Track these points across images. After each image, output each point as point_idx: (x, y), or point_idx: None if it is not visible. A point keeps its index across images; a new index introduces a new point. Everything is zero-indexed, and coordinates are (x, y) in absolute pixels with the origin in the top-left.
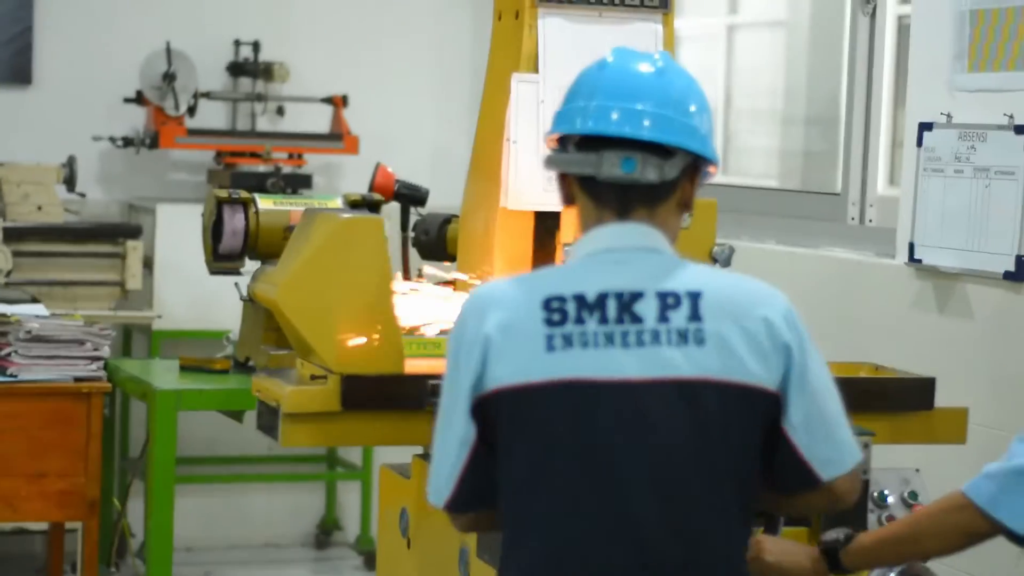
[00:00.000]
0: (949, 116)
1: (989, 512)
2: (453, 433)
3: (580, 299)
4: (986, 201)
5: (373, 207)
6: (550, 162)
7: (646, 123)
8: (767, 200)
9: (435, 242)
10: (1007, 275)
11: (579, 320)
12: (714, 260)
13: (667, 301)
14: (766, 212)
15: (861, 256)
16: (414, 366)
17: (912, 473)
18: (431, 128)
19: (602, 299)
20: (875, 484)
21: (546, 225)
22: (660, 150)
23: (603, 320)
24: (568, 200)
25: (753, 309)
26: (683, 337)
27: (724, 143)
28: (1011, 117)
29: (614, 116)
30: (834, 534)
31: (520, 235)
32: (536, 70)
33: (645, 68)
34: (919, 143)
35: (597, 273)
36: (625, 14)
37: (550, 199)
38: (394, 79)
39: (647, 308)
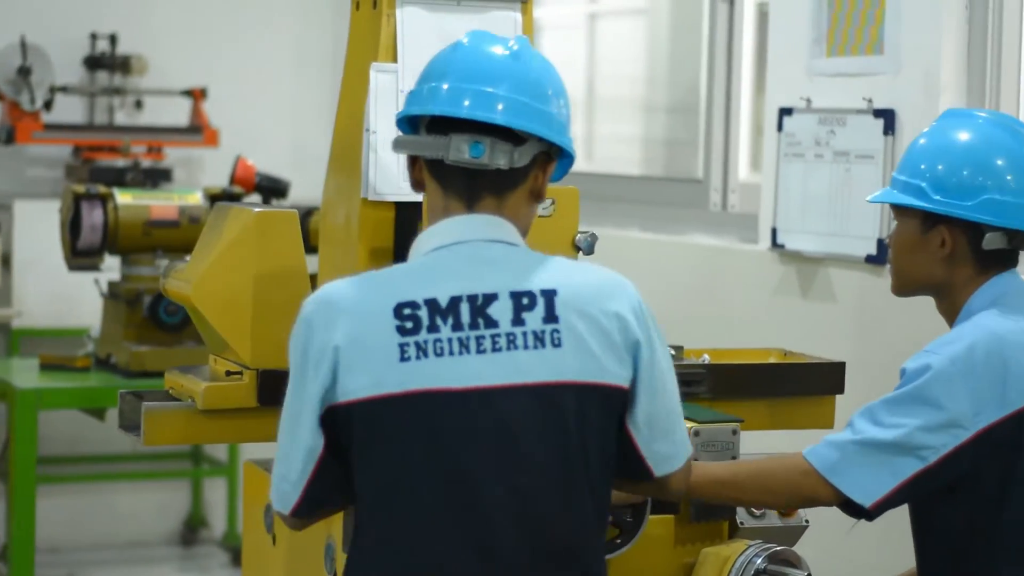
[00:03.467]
0: (809, 101)
1: (829, 478)
2: (300, 442)
3: (432, 304)
4: (847, 185)
5: (233, 200)
6: (398, 144)
7: (498, 107)
8: (630, 187)
9: None
10: (869, 259)
11: (432, 327)
12: (577, 248)
13: (522, 302)
14: (629, 199)
15: (724, 242)
16: None
17: None
18: (291, 120)
19: (455, 303)
20: None
21: (407, 215)
22: (512, 136)
23: (457, 326)
24: (417, 186)
25: (606, 304)
26: (539, 339)
27: (587, 132)
28: (870, 101)
29: (466, 98)
30: None
31: (381, 226)
32: (395, 60)
33: (500, 51)
34: (779, 128)
35: (448, 273)
36: (484, 2)
37: (410, 189)
38: (253, 71)
39: (501, 311)
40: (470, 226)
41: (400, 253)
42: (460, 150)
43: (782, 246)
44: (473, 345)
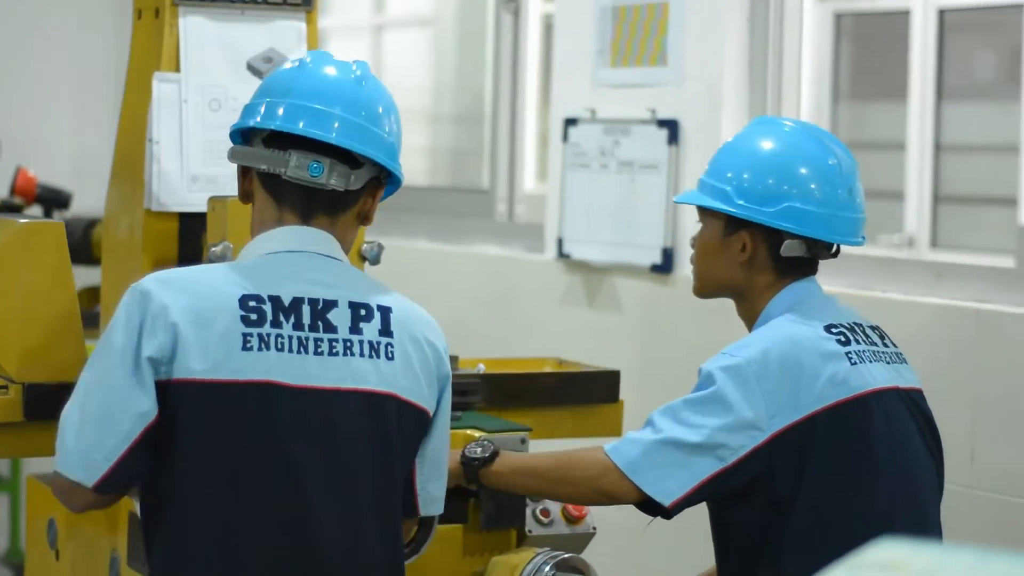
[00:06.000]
0: (593, 111)
1: (629, 476)
2: (130, 406)
3: (276, 301)
4: (632, 195)
5: (14, 211)
6: (235, 155)
7: (338, 129)
8: (417, 198)
9: (80, 245)
10: (655, 268)
11: (276, 323)
12: (363, 258)
13: (360, 312)
14: (416, 210)
15: (511, 252)
16: None
17: None
18: (73, 130)
19: (297, 304)
20: None
21: (191, 226)
22: (350, 159)
23: (298, 326)
24: (245, 197)
25: (428, 334)
26: (374, 350)
27: None
28: (654, 111)
29: (306, 117)
30: (478, 449)
31: (165, 237)
32: (178, 69)
33: (343, 74)
34: (564, 139)
35: (289, 276)
36: (268, 12)
37: (194, 199)
38: (33, 81)
39: (340, 318)
40: (306, 238)
41: (184, 263)
42: (300, 168)
43: (568, 256)
44: (312, 346)
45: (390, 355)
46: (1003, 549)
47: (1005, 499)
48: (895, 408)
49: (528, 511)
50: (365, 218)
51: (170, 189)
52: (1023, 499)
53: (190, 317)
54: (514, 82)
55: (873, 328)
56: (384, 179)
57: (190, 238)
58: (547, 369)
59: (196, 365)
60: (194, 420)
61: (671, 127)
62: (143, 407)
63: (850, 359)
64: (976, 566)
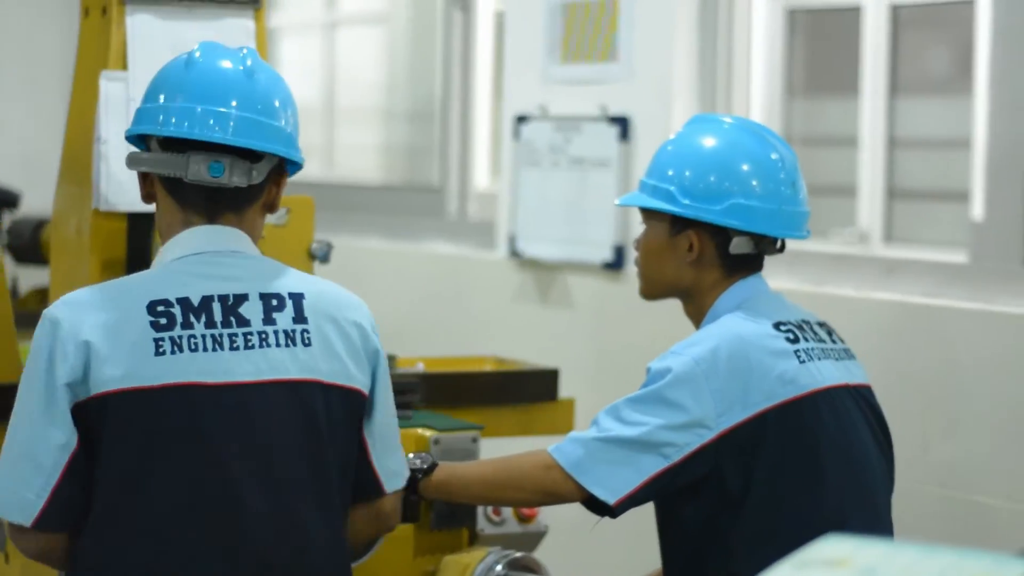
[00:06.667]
0: (544, 108)
1: (574, 475)
2: (50, 440)
3: (185, 303)
4: (583, 192)
5: None
6: (133, 161)
7: (234, 127)
8: (369, 197)
9: (29, 246)
10: (606, 265)
11: (186, 324)
12: (312, 257)
13: (271, 303)
14: (368, 209)
15: (462, 250)
16: None
17: None
18: (22, 129)
19: (207, 302)
20: None
21: (140, 225)
22: (248, 153)
23: (210, 324)
24: (149, 198)
25: (348, 313)
26: (290, 338)
27: (327, 140)
28: (604, 108)
29: (201, 119)
30: (417, 461)
31: (114, 237)
32: (125, 67)
33: (232, 68)
34: (516, 136)
35: (197, 276)
36: (215, 10)
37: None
38: None
39: (252, 310)
40: (213, 237)
41: (133, 263)
42: (199, 170)
43: (520, 254)
44: (226, 342)
45: (307, 341)
46: (952, 544)
47: (956, 494)
48: (845, 405)
49: (480, 510)
50: (271, 207)
51: (118, 189)
52: (974, 494)
53: (101, 332)
54: (464, 79)
55: (821, 324)
56: (286, 166)
57: (138, 238)
58: (487, 368)
59: (111, 377)
60: (118, 430)
61: (622, 124)
62: (60, 439)
63: (799, 357)
64: (919, 561)
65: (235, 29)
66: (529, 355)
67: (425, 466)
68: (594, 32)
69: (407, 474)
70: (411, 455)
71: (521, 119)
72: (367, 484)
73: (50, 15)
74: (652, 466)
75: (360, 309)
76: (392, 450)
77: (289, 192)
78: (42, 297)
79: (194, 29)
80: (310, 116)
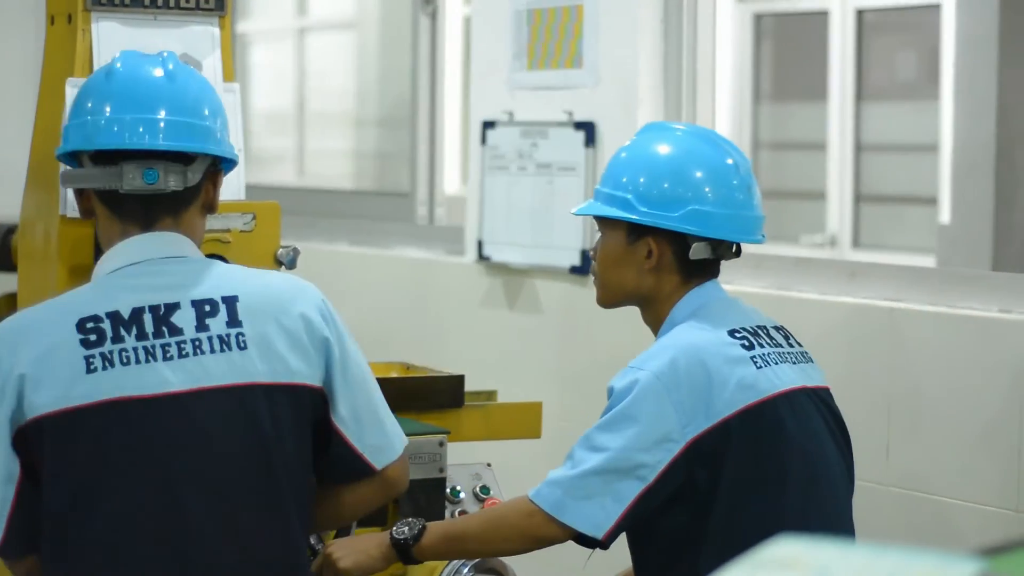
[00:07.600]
0: (511, 114)
1: (556, 517)
2: None
3: (115, 316)
4: (550, 197)
5: None
6: (67, 179)
7: (164, 131)
8: (338, 202)
9: None
10: (573, 269)
11: (117, 338)
12: (279, 263)
13: (204, 309)
14: (338, 214)
15: (431, 255)
16: None
17: (484, 468)
18: None
19: (137, 314)
20: (449, 480)
21: None
22: (180, 156)
23: (141, 336)
24: (87, 214)
25: (290, 306)
26: (225, 343)
27: (298, 146)
28: (570, 114)
29: (131, 127)
30: (405, 529)
31: (81, 243)
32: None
33: (155, 74)
34: (483, 141)
35: (128, 288)
36: (181, 17)
37: None
38: None
39: (185, 319)
40: (149, 245)
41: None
42: (134, 179)
43: (488, 258)
44: (159, 353)
45: (242, 344)
46: (910, 545)
47: (918, 495)
48: (804, 408)
49: (447, 512)
50: (211, 207)
51: None
52: (935, 495)
53: (34, 361)
54: (432, 85)
55: (777, 328)
56: (220, 164)
57: None
58: (393, 374)
59: (44, 401)
60: (58, 451)
61: (588, 129)
62: (4, 471)
63: (755, 363)
64: (871, 562)
65: (201, 36)
66: (495, 359)
67: (415, 531)
68: (560, 38)
69: (400, 441)
70: (398, 523)
71: (488, 124)
72: (355, 466)
73: (16, 23)
74: (630, 491)
75: (306, 298)
76: (373, 426)
77: (258, 197)
78: (11, 302)
79: (159, 36)
80: (280, 122)
